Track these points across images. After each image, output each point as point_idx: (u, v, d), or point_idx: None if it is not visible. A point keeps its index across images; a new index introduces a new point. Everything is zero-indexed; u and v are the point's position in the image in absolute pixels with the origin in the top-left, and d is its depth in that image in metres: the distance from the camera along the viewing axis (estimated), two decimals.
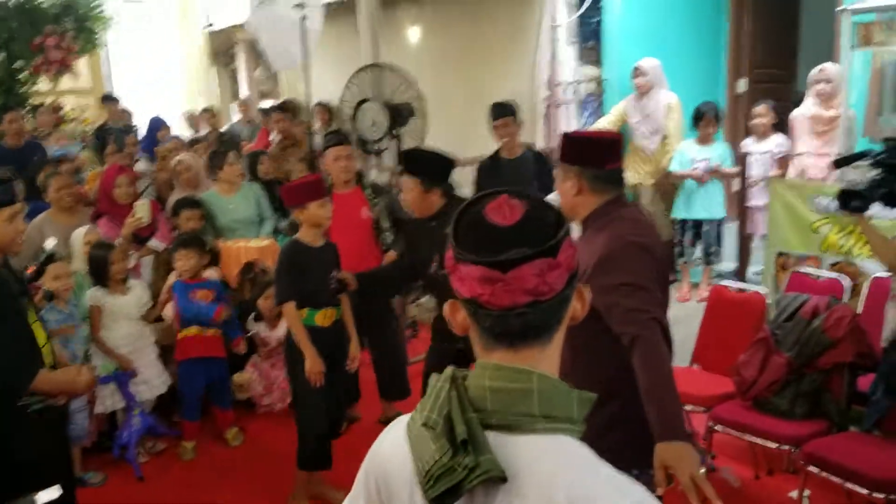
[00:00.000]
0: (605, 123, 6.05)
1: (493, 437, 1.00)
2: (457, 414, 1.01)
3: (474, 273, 1.01)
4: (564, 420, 1.02)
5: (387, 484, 1.11)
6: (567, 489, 0.95)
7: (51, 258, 3.43)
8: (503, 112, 5.09)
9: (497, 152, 5.17)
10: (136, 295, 4.27)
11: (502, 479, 0.97)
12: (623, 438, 2.13)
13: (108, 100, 8.22)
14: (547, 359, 1.07)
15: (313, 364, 3.40)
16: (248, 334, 4.67)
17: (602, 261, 2.11)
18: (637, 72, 5.83)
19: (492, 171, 5.10)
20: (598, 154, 2.21)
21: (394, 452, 1.11)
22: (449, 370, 1.07)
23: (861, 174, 3.16)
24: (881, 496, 2.91)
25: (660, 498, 2.10)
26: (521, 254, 0.99)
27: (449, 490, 0.97)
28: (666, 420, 1.98)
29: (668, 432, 1.96)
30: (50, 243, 3.48)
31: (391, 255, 4.37)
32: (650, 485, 2.14)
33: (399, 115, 5.49)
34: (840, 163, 3.52)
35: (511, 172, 4.99)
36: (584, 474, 0.98)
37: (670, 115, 5.85)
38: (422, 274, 3.52)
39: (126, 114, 8.37)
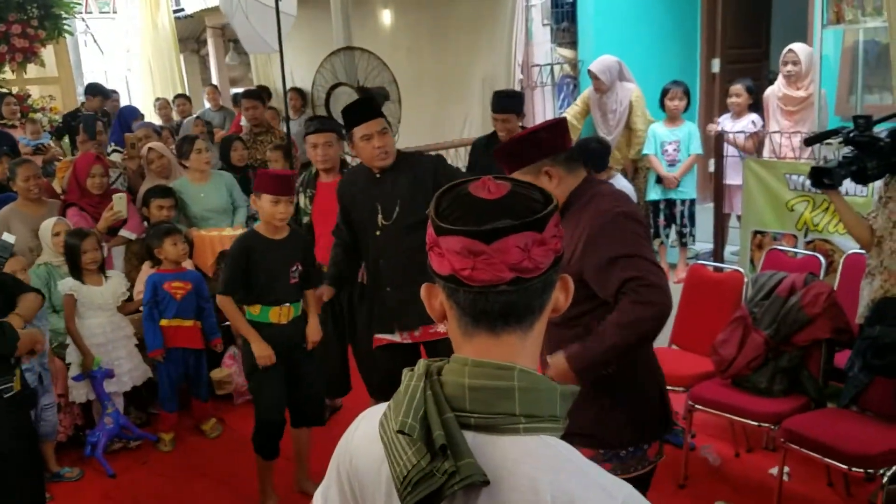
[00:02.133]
0: (570, 115, 6.04)
1: (473, 438, 0.95)
2: (433, 415, 0.95)
3: (456, 245, 0.96)
4: (547, 419, 0.97)
5: (359, 480, 1.07)
6: (553, 493, 0.90)
7: (7, 248, 3.34)
8: (507, 107, 4.62)
9: (494, 133, 4.85)
10: (113, 285, 4.21)
11: (484, 484, 0.92)
12: (625, 418, 2.16)
13: (99, 93, 8.00)
14: (527, 349, 1.02)
15: (260, 349, 3.27)
16: (225, 324, 4.62)
17: (592, 237, 2.09)
18: (590, 74, 5.81)
19: (488, 149, 4.83)
20: (555, 138, 2.18)
21: (365, 449, 1.06)
22: (423, 365, 1.02)
23: (833, 151, 3.18)
24: (860, 471, 2.94)
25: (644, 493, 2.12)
26: (507, 223, 0.95)
27: (428, 497, 0.92)
28: (587, 357, 2.03)
29: (577, 362, 2.04)
30: (8, 237, 3.38)
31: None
32: (643, 459, 2.21)
33: (373, 99, 5.42)
34: (811, 141, 3.53)
35: None
36: (570, 476, 0.93)
37: (634, 110, 5.83)
38: (364, 241, 3.37)
39: (114, 103, 8.20)
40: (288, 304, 3.36)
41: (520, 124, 4.61)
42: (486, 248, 0.95)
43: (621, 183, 3.97)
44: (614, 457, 2.18)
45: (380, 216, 3.27)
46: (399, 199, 3.24)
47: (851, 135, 3.14)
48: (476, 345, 1.00)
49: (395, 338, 3.37)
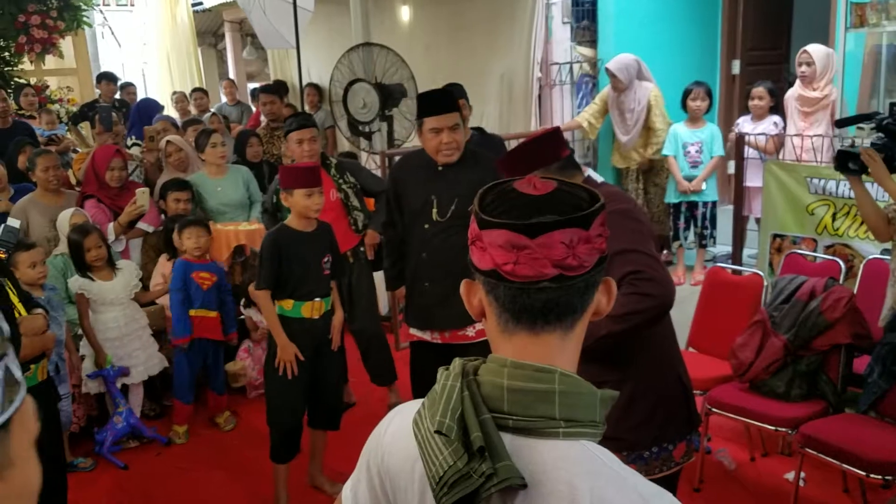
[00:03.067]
0: (589, 114, 6.01)
1: (511, 441, 0.94)
2: (471, 416, 0.93)
3: (499, 239, 0.94)
4: (588, 423, 0.95)
5: (390, 477, 1.06)
6: (591, 499, 0.89)
7: (14, 232, 3.33)
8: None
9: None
10: (124, 278, 4.20)
11: (521, 487, 0.90)
12: (643, 418, 2.12)
13: (106, 79, 8.03)
14: (568, 350, 1.00)
15: (284, 351, 3.25)
16: (240, 317, 4.63)
17: None
18: (608, 72, 5.78)
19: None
20: (550, 149, 2.16)
21: (397, 446, 1.05)
22: (458, 365, 1.00)
23: (862, 135, 3.14)
24: (877, 478, 2.91)
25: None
26: (552, 219, 0.93)
27: (464, 498, 0.90)
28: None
29: None
30: (14, 223, 3.38)
31: (372, 234, 4.30)
32: (668, 460, 2.17)
33: (391, 95, 5.41)
34: (842, 122, 3.50)
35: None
36: (608, 484, 0.91)
37: (653, 109, 5.80)
38: (409, 231, 3.34)
39: (130, 95, 8.22)
40: (319, 299, 3.35)
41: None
42: (529, 243, 0.93)
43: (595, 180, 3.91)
44: (638, 458, 2.14)
45: (434, 210, 3.24)
46: (457, 197, 3.20)
47: (885, 122, 3.09)
48: (515, 344, 0.99)
49: (426, 336, 3.36)
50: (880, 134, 3.09)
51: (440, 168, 3.26)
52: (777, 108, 5.47)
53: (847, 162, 3.09)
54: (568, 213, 0.95)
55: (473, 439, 0.91)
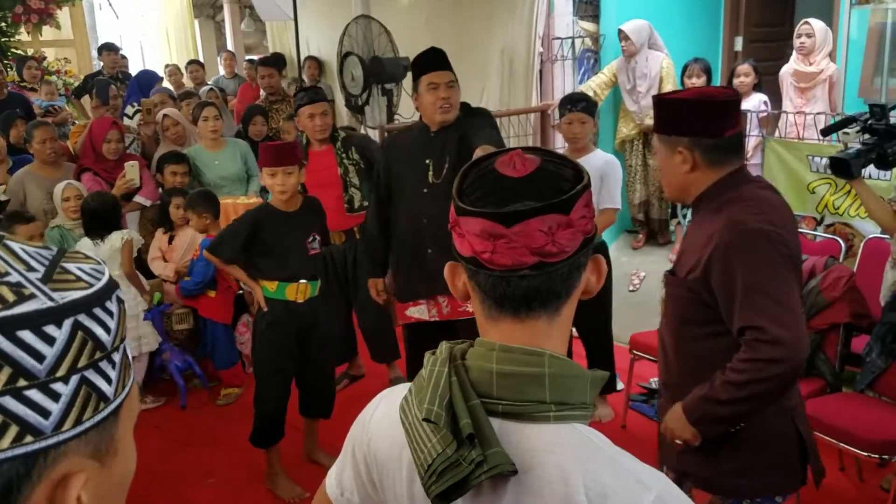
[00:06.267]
0: (595, 84, 5.95)
1: (500, 425, 0.91)
2: (459, 403, 0.91)
3: (475, 227, 0.91)
4: (578, 406, 0.92)
5: (377, 464, 1.04)
6: (585, 484, 0.87)
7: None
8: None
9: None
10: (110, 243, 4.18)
11: (512, 473, 0.88)
12: (749, 461, 1.93)
13: (107, 49, 7.92)
14: (555, 333, 0.96)
15: (259, 294, 3.25)
16: (239, 292, 4.62)
17: (722, 249, 1.81)
18: (620, 35, 5.72)
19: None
20: (714, 120, 1.84)
21: (384, 433, 1.03)
22: (445, 349, 0.97)
23: (848, 139, 3.11)
24: (874, 456, 2.92)
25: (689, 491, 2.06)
26: (528, 206, 0.89)
27: (454, 486, 0.88)
28: (702, 410, 1.86)
29: (692, 414, 1.87)
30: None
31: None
32: None
33: (382, 69, 5.31)
34: (827, 131, 3.47)
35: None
36: (602, 466, 0.89)
37: (665, 80, 5.74)
38: (407, 200, 3.26)
39: (123, 61, 8.13)
40: (305, 282, 3.28)
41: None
42: (506, 232, 0.89)
43: (601, 156, 3.84)
44: None
45: (430, 173, 3.20)
46: (449, 157, 3.16)
47: (869, 122, 3.08)
48: (502, 329, 0.96)
49: (424, 315, 3.31)
50: (867, 136, 3.07)
51: (433, 134, 3.23)
52: (759, 86, 5.41)
53: (843, 167, 3.06)
54: (548, 197, 0.90)
55: (462, 426, 0.89)
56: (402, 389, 1.02)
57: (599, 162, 3.77)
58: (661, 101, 1.93)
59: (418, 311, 3.34)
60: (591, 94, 5.92)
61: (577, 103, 3.82)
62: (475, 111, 3.36)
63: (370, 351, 4.41)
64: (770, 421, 1.91)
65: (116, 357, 0.60)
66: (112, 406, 0.60)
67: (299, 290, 3.27)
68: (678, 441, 1.93)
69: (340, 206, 4.00)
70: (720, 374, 1.83)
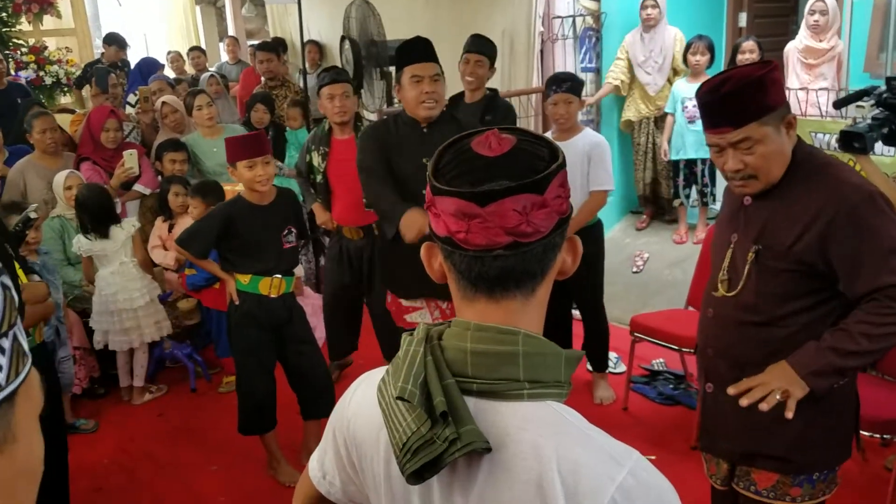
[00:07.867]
0: (618, 71, 5.87)
1: (475, 404, 0.92)
2: (434, 381, 0.92)
3: (450, 207, 0.92)
4: (552, 384, 0.93)
5: (356, 445, 1.05)
6: (558, 460, 0.87)
7: (28, 223, 3.30)
8: (483, 49, 4.15)
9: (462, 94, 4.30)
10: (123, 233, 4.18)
11: (486, 450, 0.89)
12: (819, 441, 1.94)
13: (116, 44, 7.88)
14: (530, 313, 0.96)
15: (231, 286, 3.22)
16: None
17: (842, 217, 1.79)
18: (645, 3, 5.63)
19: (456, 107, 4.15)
20: (782, 87, 1.84)
21: (362, 414, 1.04)
22: (423, 330, 0.98)
23: (863, 113, 3.05)
24: (876, 436, 2.90)
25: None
26: (502, 186, 0.89)
27: (428, 464, 0.89)
28: (823, 362, 1.80)
29: (806, 368, 1.80)
30: (32, 210, 3.34)
31: None
32: (832, 483, 2.00)
33: (378, 53, 5.25)
34: (840, 103, 3.41)
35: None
36: (574, 442, 0.89)
37: (678, 53, 5.67)
38: (404, 196, 3.09)
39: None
40: (279, 277, 3.23)
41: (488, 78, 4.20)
42: (480, 211, 0.90)
43: (588, 138, 3.78)
44: (806, 481, 1.97)
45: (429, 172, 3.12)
46: None
47: (884, 96, 3.02)
48: (477, 309, 0.96)
49: (427, 318, 3.24)
50: (880, 109, 3.01)
51: (425, 130, 3.11)
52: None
53: (852, 141, 3.01)
54: (522, 176, 0.90)
55: (436, 404, 0.90)
56: (380, 372, 1.03)
57: (585, 143, 3.72)
58: (744, 87, 1.79)
59: (419, 316, 3.27)
60: (618, 83, 5.87)
61: (563, 83, 3.76)
62: (497, 105, 3.17)
63: (381, 347, 4.35)
64: (840, 401, 1.94)
65: (5, 343, 0.60)
66: (5, 393, 0.60)
67: (273, 285, 3.22)
68: (769, 404, 1.80)
69: (358, 199, 3.72)
70: (848, 324, 1.81)
